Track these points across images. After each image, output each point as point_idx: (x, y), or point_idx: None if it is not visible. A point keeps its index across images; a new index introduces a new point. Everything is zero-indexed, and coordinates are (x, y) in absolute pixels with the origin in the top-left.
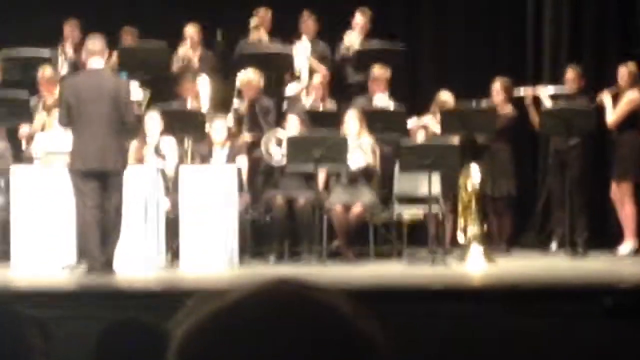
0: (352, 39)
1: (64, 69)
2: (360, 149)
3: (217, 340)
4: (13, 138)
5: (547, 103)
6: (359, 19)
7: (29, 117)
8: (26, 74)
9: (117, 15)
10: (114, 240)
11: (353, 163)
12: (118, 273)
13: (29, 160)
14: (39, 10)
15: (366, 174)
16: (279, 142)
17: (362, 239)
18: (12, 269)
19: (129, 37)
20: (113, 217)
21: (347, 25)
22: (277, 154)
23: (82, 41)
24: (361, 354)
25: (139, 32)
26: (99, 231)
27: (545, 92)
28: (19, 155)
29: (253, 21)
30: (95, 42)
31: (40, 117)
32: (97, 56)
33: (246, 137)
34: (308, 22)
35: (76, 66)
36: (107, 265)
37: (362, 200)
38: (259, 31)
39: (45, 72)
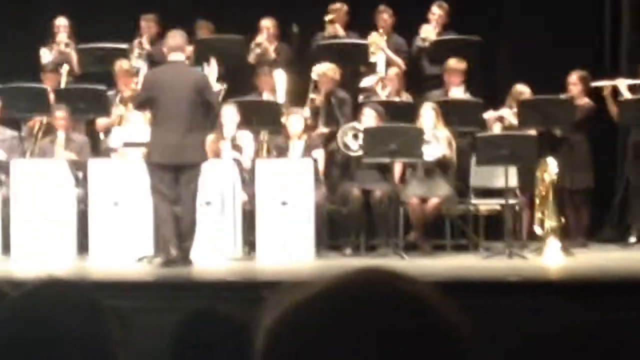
0: (428, 32)
1: (139, 62)
2: (437, 140)
3: (304, 329)
4: (91, 131)
5: (626, 94)
6: (436, 11)
7: (106, 110)
8: (103, 67)
9: (193, 10)
10: (190, 232)
11: (429, 155)
12: (195, 265)
13: (106, 153)
14: (117, 4)
15: (442, 166)
16: (355, 135)
17: (438, 231)
18: (91, 261)
19: (204, 31)
20: (188, 209)
21: (423, 18)
22: (353, 146)
23: (158, 35)
24: (449, 344)
25: (214, 26)
26: (174, 224)
27: (623, 83)
28: (97, 148)
29: (328, 16)
30: (176, 38)
31: (117, 110)
32: (178, 51)
33: (322, 129)
34: (384, 16)
35: (152, 60)
36: (184, 257)
37: (439, 192)
38: (334, 26)
39: (121, 65)
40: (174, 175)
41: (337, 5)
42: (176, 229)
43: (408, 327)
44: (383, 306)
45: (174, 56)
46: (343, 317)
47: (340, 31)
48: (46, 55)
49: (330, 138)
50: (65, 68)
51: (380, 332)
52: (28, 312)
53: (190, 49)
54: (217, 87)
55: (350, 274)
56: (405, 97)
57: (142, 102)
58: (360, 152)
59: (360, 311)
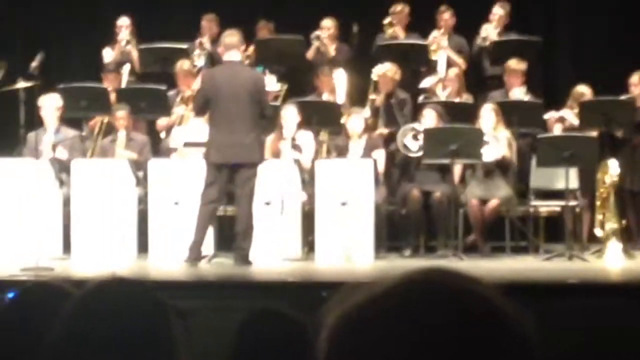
0: (489, 31)
1: (200, 62)
2: (496, 141)
3: (367, 329)
4: (151, 131)
5: None
6: (497, 12)
7: (167, 110)
8: (164, 67)
9: (254, 10)
10: (248, 233)
11: (489, 155)
12: (254, 265)
13: (167, 152)
14: (179, 4)
15: (502, 167)
16: (415, 136)
17: (497, 233)
18: (151, 260)
19: (265, 31)
20: (245, 210)
21: (484, 18)
22: (412, 147)
23: (219, 35)
24: (514, 343)
25: (275, 26)
26: (208, 225)
27: None
28: (157, 148)
29: (388, 18)
30: (232, 36)
31: (178, 110)
32: (234, 50)
33: (382, 130)
34: (445, 15)
35: (214, 60)
36: (242, 257)
37: (498, 194)
38: (394, 28)
39: (182, 65)
40: (230, 175)
41: (399, 7)
42: (235, 228)
43: (473, 326)
44: (447, 305)
45: (230, 55)
46: (407, 317)
47: (401, 33)
48: (108, 55)
49: (390, 139)
50: (126, 68)
51: (444, 331)
52: (92, 311)
53: (251, 48)
54: (277, 87)
55: (414, 273)
56: (466, 98)
57: (201, 105)
58: (419, 153)
59: (424, 311)
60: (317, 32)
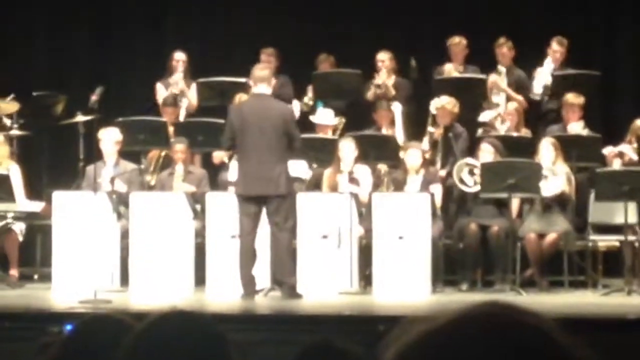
0: (544, 74)
1: None
2: (555, 175)
3: None
4: (209, 164)
5: None
6: (556, 48)
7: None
8: (222, 101)
9: (314, 44)
10: (289, 263)
11: (547, 190)
12: (310, 298)
13: (224, 185)
14: (237, 38)
15: (561, 202)
16: (471, 170)
17: (556, 267)
18: (208, 293)
19: (326, 65)
20: (282, 242)
21: (543, 53)
22: (469, 182)
23: (278, 69)
24: None
25: (336, 60)
26: (254, 257)
27: None
28: (215, 181)
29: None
30: (263, 70)
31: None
32: (264, 83)
33: (439, 168)
34: (504, 49)
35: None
36: (290, 290)
37: (557, 228)
38: (451, 61)
39: (240, 99)
40: (260, 207)
41: (456, 39)
42: (272, 260)
43: None
44: (506, 340)
45: (259, 88)
46: (466, 351)
47: (460, 66)
48: (161, 90)
49: (447, 173)
50: (184, 102)
51: None
52: (153, 343)
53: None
54: (335, 121)
55: (472, 307)
56: (524, 132)
57: (229, 139)
58: (476, 188)
59: (483, 345)
60: (376, 81)
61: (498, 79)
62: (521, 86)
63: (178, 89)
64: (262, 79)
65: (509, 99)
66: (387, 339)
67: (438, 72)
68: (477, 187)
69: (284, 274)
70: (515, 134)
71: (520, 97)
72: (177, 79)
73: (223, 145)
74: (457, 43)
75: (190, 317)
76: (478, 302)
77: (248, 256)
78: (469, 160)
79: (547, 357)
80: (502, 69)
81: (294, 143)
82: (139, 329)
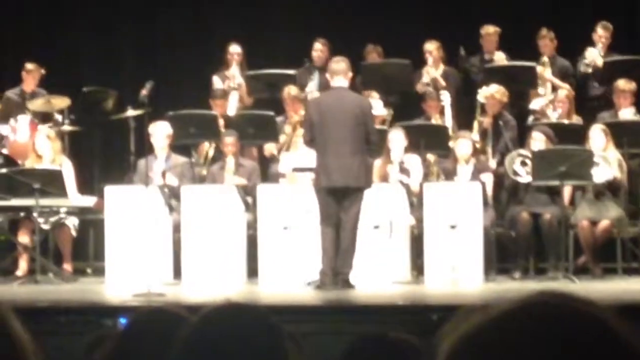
0: (594, 56)
1: (309, 87)
2: (606, 162)
3: (485, 352)
4: (260, 156)
5: None
6: (601, 33)
7: (275, 135)
8: (272, 93)
9: (363, 34)
10: (350, 256)
11: (599, 177)
12: (356, 288)
13: (275, 178)
14: (288, 29)
15: (612, 189)
16: (524, 162)
17: (609, 254)
18: (260, 285)
19: (374, 55)
20: (349, 234)
21: (586, 40)
22: (521, 173)
23: (328, 61)
24: None
25: (384, 50)
26: (335, 249)
27: None
28: (266, 173)
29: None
30: (339, 63)
31: (286, 135)
32: (341, 76)
33: (489, 157)
34: (546, 40)
35: (323, 86)
36: (343, 281)
37: (609, 215)
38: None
39: (290, 91)
40: (339, 199)
41: (490, 28)
42: (337, 252)
43: (590, 348)
44: (564, 329)
45: (336, 81)
46: (524, 341)
47: (503, 54)
48: (218, 82)
49: (499, 162)
50: (234, 94)
51: (562, 355)
52: (208, 336)
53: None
54: (384, 111)
55: (529, 297)
56: (575, 119)
57: (309, 133)
58: (528, 179)
59: (541, 334)
60: (425, 79)
61: (542, 70)
62: (566, 75)
63: (236, 83)
64: (339, 71)
65: (555, 88)
66: (443, 329)
67: (489, 60)
68: (530, 178)
69: (343, 265)
70: (566, 121)
71: (566, 85)
72: (234, 72)
73: (303, 140)
74: (492, 33)
75: (245, 309)
76: (534, 292)
77: (332, 248)
78: (521, 151)
79: (605, 346)
80: (545, 59)
81: (370, 136)
82: (194, 322)
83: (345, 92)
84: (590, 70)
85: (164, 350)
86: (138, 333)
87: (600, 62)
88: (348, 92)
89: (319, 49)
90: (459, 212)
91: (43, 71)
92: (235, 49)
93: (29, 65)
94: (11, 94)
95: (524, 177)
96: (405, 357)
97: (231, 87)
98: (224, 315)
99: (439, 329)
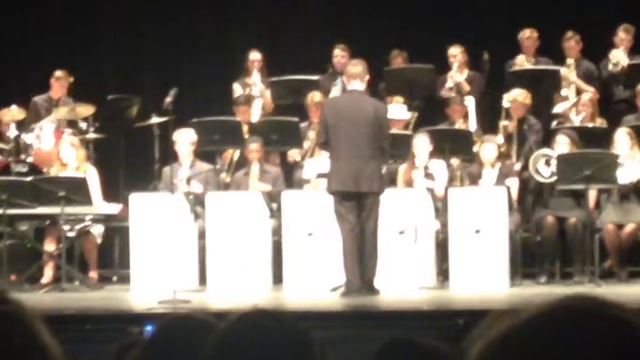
0: (620, 57)
1: (333, 93)
2: (633, 162)
3: (515, 357)
4: (284, 162)
5: None
6: (623, 36)
7: (299, 141)
8: (296, 99)
9: (387, 39)
10: (373, 261)
11: (624, 177)
12: (380, 293)
13: (300, 184)
14: (308, 35)
15: (638, 191)
16: (547, 161)
17: (635, 258)
18: (285, 291)
19: (399, 60)
20: (370, 238)
21: (608, 43)
22: (545, 173)
23: None
24: None
25: (408, 55)
26: (357, 253)
27: None
28: (290, 180)
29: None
30: (356, 66)
31: (309, 141)
32: (357, 79)
33: (514, 161)
34: (571, 42)
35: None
36: (367, 286)
37: (635, 218)
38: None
39: (313, 97)
40: (355, 203)
41: (527, 32)
42: (359, 257)
43: (619, 352)
44: (595, 332)
45: (353, 84)
46: (555, 344)
47: (531, 58)
48: (238, 89)
49: (523, 165)
50: (258, 101)
51: (594, 358)
52: (237, 342)
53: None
54: (408, 116)
55: (558, 301)
56: (600, 123)
57: (322, 134)
58: (552, 179)
59: (571, 338)
60: (449, 84)
61: (567, 72)
62: (591, 78)
63: (258, 91)
64: (356, 75)
65: (579, 91)
66: (473, 334)
67: (510, 65)
68: (554, 178)
69: (368, 270)
70: (590, 125)
71: (591, 88)
72: (255, 79)
73: (317, 141)
74: (529, 36)
75: (273, 315)
76: (563, 295)
77: (353, 252)
78: (545, 150)
79: (634, 349)
80: (570, 61)
81: (382, 142)
82: (223, 329)
83: (361, 96)
84: (618, 69)
85: (192, 358)
86: (165, 340)
87: (625, 62)
88: (364, 96)
89: (339, 54)
90: (484, 217)
91: (71, 79)
92: (255, 56)
93: (58, 73)
94: (39, 100)
95: (548, 177)
96: None
97: (253, 94)
98: (252, 322)
99: (465, 334)
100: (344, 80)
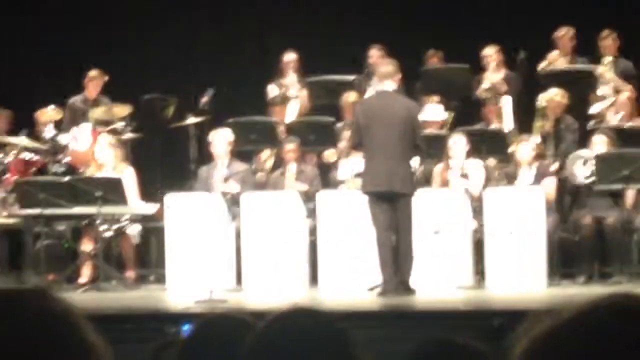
0: None
1: (369, 93)
2: None
3: (558, 356)
4: (320, 163)
5: None
6: None
7: (334, 142)
8: (331, 100)
9: (422, 39)
10: (408, 262)
11: None
12: (416, 293)
13: (336, 184)
14: (344, 36)
15: None
16: (585, 162)
17: None
18: (321, 291)
19: (435, 60)
20: (405, 238)
21: None
22: (582, 174)
23: None
24: None
25: (444, 55)
26: (392, 252)
27: None
28: (325, 180)
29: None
30: (387, 66)
31: (345, 142)
32: (389, 79)
33: (550, 159)
34: (608, 41)
35: None
36: (403, 286)
37: None
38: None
39: (349, 97)
40: (389, 203)
41: (562, 30)
42: (394, 257)
43: None
44: (636, 331)
45: (384, 85)
46: (596, 344)
47: (567, 56)
48: (273, 91)
49: (561, 166)
50: (294, 101)
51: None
52: (276, 341)
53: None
54: (444, 116)
55: (599, 300)
56: (638, 122)
57: (355, 136)
58: (589, 180)
59: (614, 337)
60: (485, 85)
61: (604, 70)
62: (628, 76)
63: (295, 91)
64: (387, 75)
65: (617, 90)
66: (514, 334)
67: (543, 61)
68: (591, 179)
69: (403, 270)
70: (628, 124)
71: (629, 87)
72: (292, 80)
73: (349, 142)
74: (564, 34)
75: (312, 315)
76: (604, 295)
77: (389, 252)
78: (583, 151)
79: None
80: (607, 60)
81: (417, 141)
82: (261, 327)
83: (393, 96)
84: None
85: (230, 356)
86: (203, 339)
87: None
88: (396, 96)
89: (374, 54)
90: (521, 217)
91: (106, 77)
92: (290, 57)
93: (92, 72)
94: (75, 100)
95: (585, 178)
96: None
97: (288, 95)
98: (291, 320)
99: (503, 334)
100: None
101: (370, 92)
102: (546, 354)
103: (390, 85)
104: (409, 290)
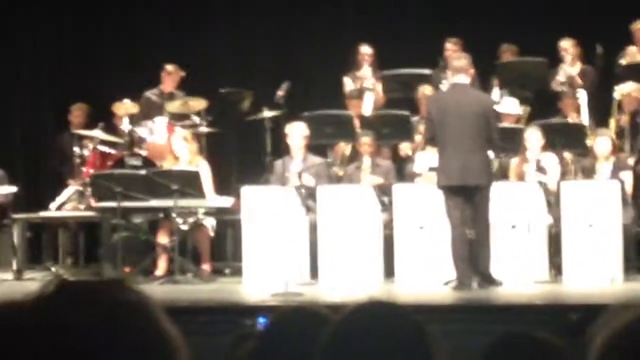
0: None
1: (444, 87)
2: None
3: (637, 351)
4: (394, 156)
5: None
6: None
7: (410, 135)
8: (407, 93)
9: (498, 33)
10: (486, 255)
11: None
12: (498, 286)
13: (411, 177)
14: (419, 29)
15: None
16: None
17: None
18: (397, 284)
19: (508, 54)
20: (481, 232)
21: None
22: None
23: None
24: None
25: (519, 49)
26: (466, 246)
27: None
28: (401, 173)
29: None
30: (460, 60)
31: (420, 135)
32: (462, 73)
33: (627, 153)
34: None
35: None
36: (483, 277)
37: None
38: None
39: (424, 91)
40: (464, 197)
41: (639, 23)
42: (470, 252)
43: None
44: None
45: (457, 78)
46: None
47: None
48: (349, 83)
49: (637, 160)
50: (369, 95)
51: None
52: (352, 334)
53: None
54: (520, 110)
55: None
56: None
57: (429, 130)
58: None
59: None
60: (561, 78)
61: None
62: None
63: (370, 84)
64: (460, 69)
65: None
66: (593, 328)
67: (621, 56)
68: None
69: (481, 262)
70: None
71: None
72: (366, 73)
73: (424, 137)
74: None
75: (389, 308)
76: None
77: (462, 247)
78: None
79: None
80: None
81: (492, 134)
82: (338, 320)
83: (466, 89)
84: None
85: (307, 349)
86: (280, 331)
87: None
88: (469, 89)
89: (450, 48)
90: (598, 211)
91: (183, 73)
92: (366, 50)
93: (169, 67)
94: (150, 94)
95: None
96: (547, 357)
97: (364, 87)
98: (368, 313)
99: (579, 329)
100: (448, 74)
101: (444, 86)
102: (625, 348)
103: (464, 79)
104: (489, 282)
